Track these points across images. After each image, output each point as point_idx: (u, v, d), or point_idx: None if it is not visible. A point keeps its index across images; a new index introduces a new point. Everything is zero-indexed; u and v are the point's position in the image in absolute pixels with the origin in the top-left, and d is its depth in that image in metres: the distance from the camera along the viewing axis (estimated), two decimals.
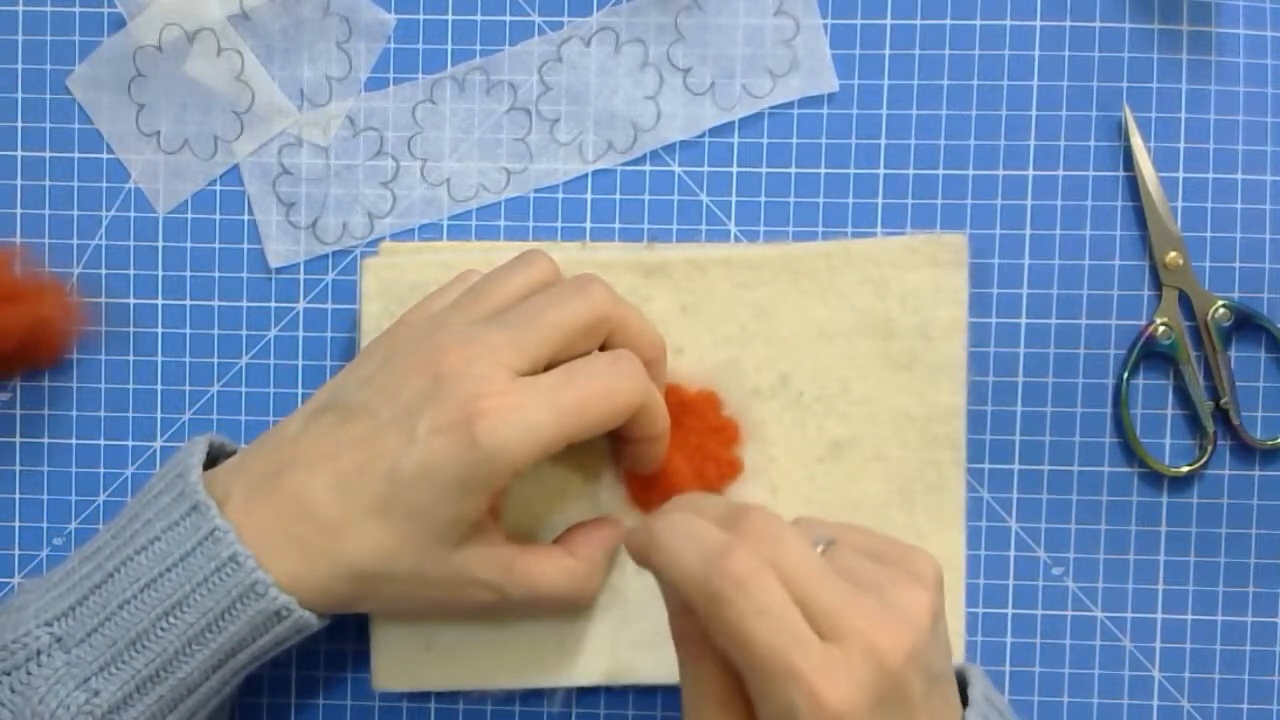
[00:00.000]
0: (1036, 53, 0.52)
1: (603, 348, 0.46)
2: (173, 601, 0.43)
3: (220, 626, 0.43)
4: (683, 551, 0.39)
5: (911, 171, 0.52)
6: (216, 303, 0.53)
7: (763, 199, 0.52)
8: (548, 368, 0.45)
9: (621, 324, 0.46)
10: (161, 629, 0.43)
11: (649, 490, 0.49)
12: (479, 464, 0.42)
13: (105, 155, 0.53)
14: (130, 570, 0.43)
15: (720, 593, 0.38)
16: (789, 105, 0.52)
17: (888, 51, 0.52)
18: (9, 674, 0.43)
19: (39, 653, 0.43)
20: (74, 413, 0.53)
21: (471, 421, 0.42)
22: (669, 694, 0.52)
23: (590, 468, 0.50)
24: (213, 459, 0.47)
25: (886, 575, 0.40)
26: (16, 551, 0.53)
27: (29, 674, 0.43)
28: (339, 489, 0.44)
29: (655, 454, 0.48)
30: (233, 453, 0.49)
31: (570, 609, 0.49)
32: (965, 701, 0.42)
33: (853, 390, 0.51)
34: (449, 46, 0.53)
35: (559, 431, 0.43)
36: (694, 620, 0.40)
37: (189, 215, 0.53)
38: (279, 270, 0.53)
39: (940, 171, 0.52)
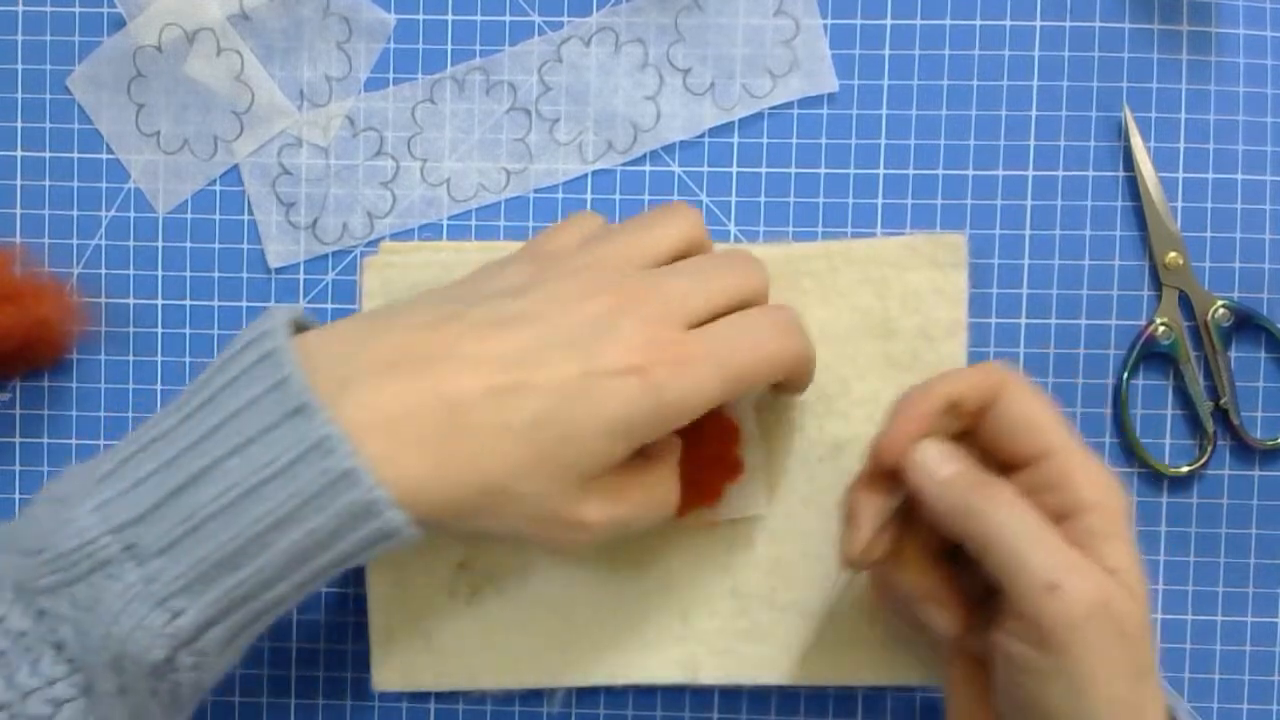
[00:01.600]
0: (1036, 53, 0.52)
1: None
2: (274, 519, 0.38)
3: (327, 545, 0.39)
4: (946, 486, 0.42)
5: (911, 171, 0.52)
6: (216, 303, 0.53)
7: (763, 199, 0.52)
8: None
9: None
10: (258, 548, 0.38)
11: None
12: (648, 412, 0.41)
13: (105, 155, 0.53)
14: (219, 477, 0.38)
15: (973, 507, 0.41)
16: (789, 105, 0.52)
17: (888, 51, 0.52)
18: (69, 585, 0.38)
19: (106, 562, 0.38)
20: (74, 413, 0.53)
21: (649, 369, 0.41)
22: (669, 694, 0.52)
23: None
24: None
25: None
26: None
27: (95, 588, 0.38)
28: (496, 397, 0.40)
29: (796, 390, 0.47)
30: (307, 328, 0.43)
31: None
32: None
33: (853, 390, 0.51)
34: (449, 46, 0.53)
35: (724, 392, 0.42)
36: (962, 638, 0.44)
37: (189, 215, 0.53)
38: (279, 270, 0.53)
39: (940, 171, 0.52)
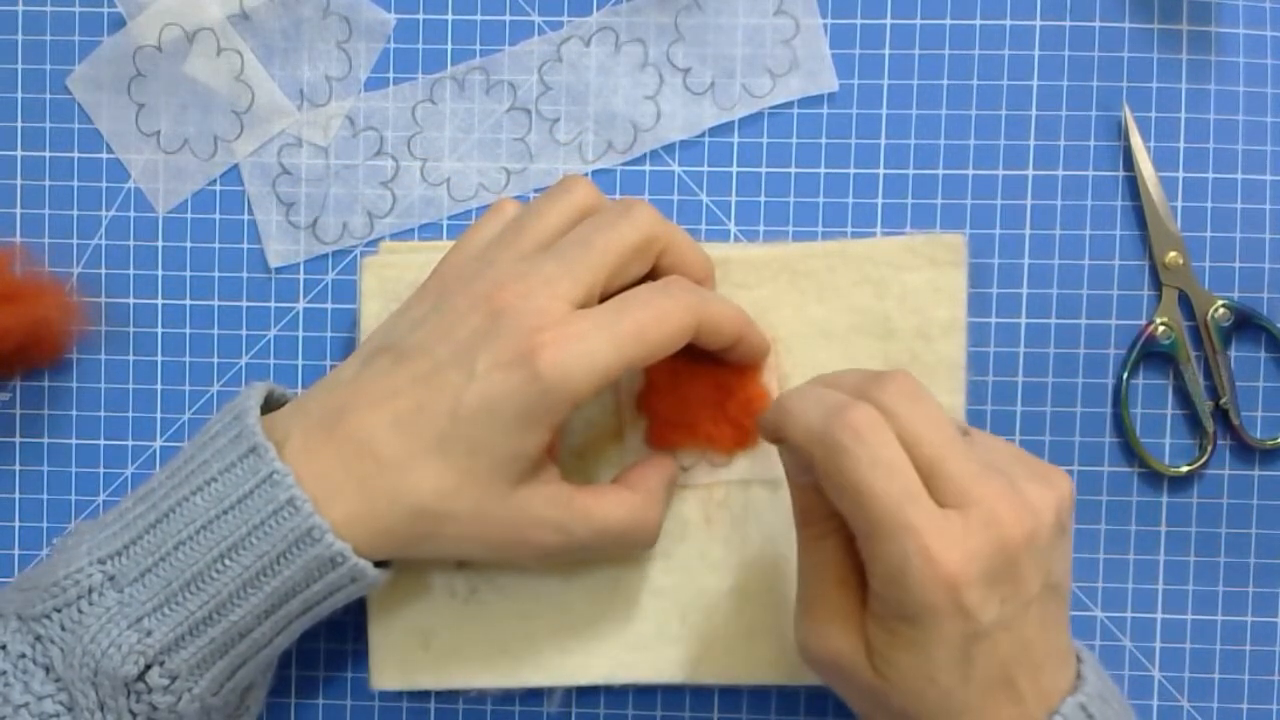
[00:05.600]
0: (1036, 53, 0.52)
1: (651, 275, 0.46)
2: (229, 544, 0.42)
3: (275, 570, 0.42)
4: (806, 411, 0.41)
5: (911, 171, 0.52)
6: (216, 303, 0.53)
7: (762, 199, 0.52)
8: (603, 296, 0.45)
9: (670, 244, 0.46)
10: (216, 571, 0.42)
11: (671, 432, 0.50)
12: (541, 396, 0.42)
13: (105, 155, 0.53)
14: (186, 511, 0.43)
15: (838, 442, 0.39)
16: (789, 105, 0.52)
17: (888, 51, 0.52)
18: (59, 610, 0.43)
19: (91, 590, 0.43)
20: (74, 413, 0.53)
21: (533, 355, 0.42)
22: (669, 694, 0.52)
23: (612, 423, 0.50)
24: (268, 407, 0.47)
25: (1019, 469, 0.41)
26: (16, 551, 0.53)
27: (80, 612, 0.42)
28: (399, 428, 0.43)
29: (747, 354, 0.48)
30: (285, 401, 0.48)
31: (635, 545, 0.48)
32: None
33: None
34: (449, 46, 0.53)
35: (619, 358, 0.43)
36: (819, 498, 0.42)
37: (189, 215, 0.53)
38: (279, 270, 0.53)
39: (940, 171, 0.52)
